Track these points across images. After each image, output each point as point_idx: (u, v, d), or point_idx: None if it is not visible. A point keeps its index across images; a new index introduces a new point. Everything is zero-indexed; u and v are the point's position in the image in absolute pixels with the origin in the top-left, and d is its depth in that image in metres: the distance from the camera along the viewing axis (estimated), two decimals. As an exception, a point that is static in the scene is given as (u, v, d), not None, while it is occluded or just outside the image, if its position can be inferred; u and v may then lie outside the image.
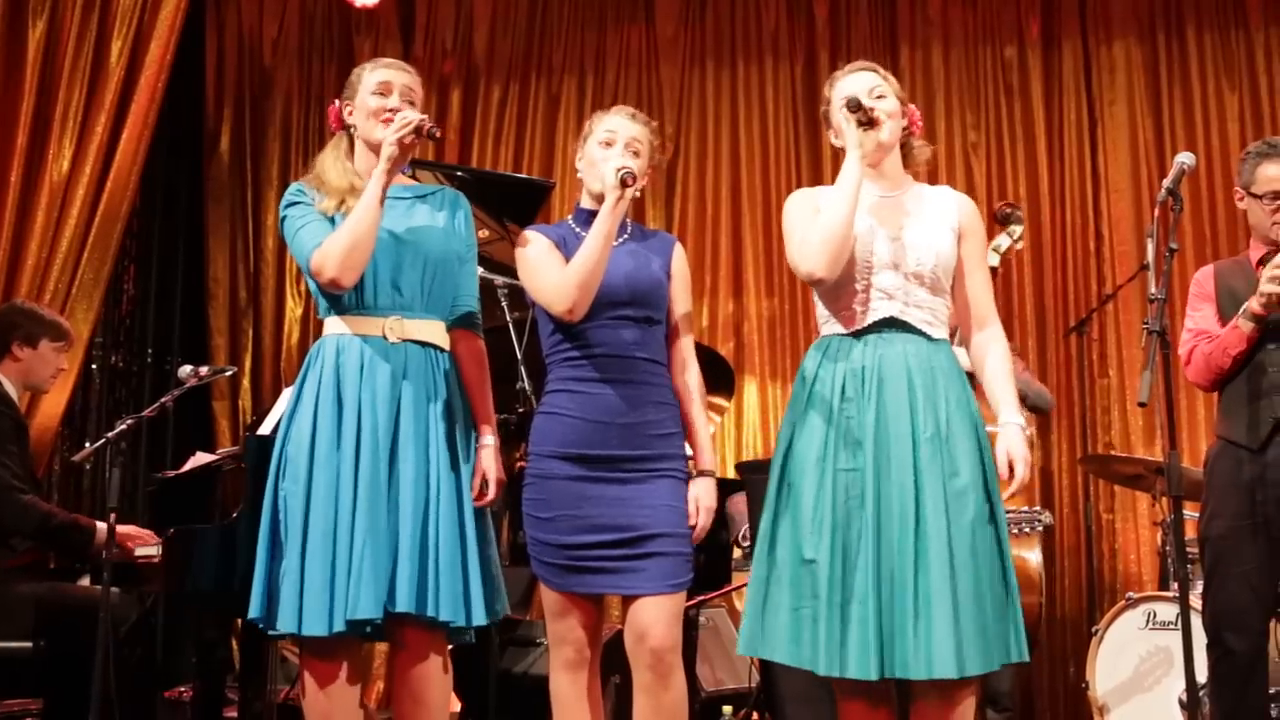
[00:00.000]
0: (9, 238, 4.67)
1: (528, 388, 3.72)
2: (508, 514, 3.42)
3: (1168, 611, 3.92)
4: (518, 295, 3.11)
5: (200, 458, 3.81)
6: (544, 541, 2.64)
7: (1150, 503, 4.76)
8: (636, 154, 2.71)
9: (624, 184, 2.58)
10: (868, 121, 2.53)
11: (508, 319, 3.83)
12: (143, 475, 5.26)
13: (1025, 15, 5.81)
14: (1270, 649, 3.26)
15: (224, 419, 5.81)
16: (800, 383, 2.59)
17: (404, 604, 2.50)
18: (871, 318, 2.53)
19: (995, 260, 4.60)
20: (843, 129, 2.56)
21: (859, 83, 2.61)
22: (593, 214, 2.66)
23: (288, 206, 2.69)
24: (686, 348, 2.79)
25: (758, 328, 5.78)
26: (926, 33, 5.85)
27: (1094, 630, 4.10)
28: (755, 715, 4.13)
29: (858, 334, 2.54)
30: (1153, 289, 2.75)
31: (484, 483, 2.66)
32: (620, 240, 2.73)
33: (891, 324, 2.53)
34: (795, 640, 2.43)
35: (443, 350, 2.70)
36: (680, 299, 2.79)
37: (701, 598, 3.95)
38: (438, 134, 2.61)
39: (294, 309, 5.99)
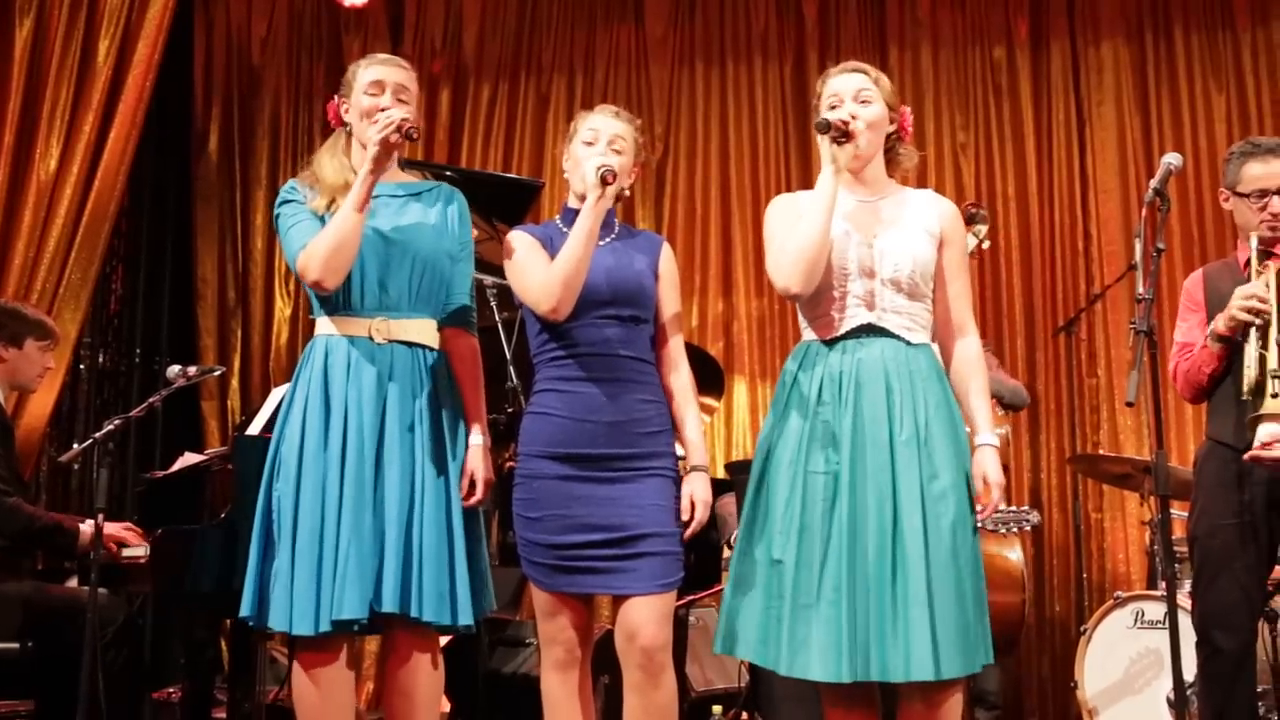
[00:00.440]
0: (-5, 237, 4.66)
1: (517, 387, 3.71)
2: (497, 514, 3.42)
3: (1156, 610, 3.93)
4: (507, 295, 3.11)
5: (188, 458, 3.80)
6: (533, 541, 2.64)
7: (1139, 502, 4.78)
8: (620, 152, 2.71)
9: (604, 182, 2.58)
10: (842, 136, 2.52)
11: (497, 319, 3.83)
12: (131, 476, 5.24)
13: (1014, 16, 5.83)
14: (1259, 648, 3.28)
15: (213, 419, 5.80)
16: (781, 386, 2.60)
17: (389, 604, 2.51)
18: (848, 325, 2.53)
19: None
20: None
21: (847, 84, 2.59)
22: (578, 213, 2.66)
23: (280, 205, 2.69)
24: (676, 347, 2.79)
25: (747, 327, 5.79)
26: (915, 33, 5.87)
27: (1082, 629, 4.11)
28: (745, 715, 4.13)
29: (835, 340, 2.54)
30: (1140, 289, 2.75)
31: (472, 482, 2.66)
32: (606, 240, 2.73)
33: (869, 330, 2.53)
34: (763, 640, 2.44)
35: (432, 349, 2.70)
36: (668, 299, 2.78)
37: (691, 597, 3.95)
38: (415, 135, 2.60)
39: (283, 309, 5.98)
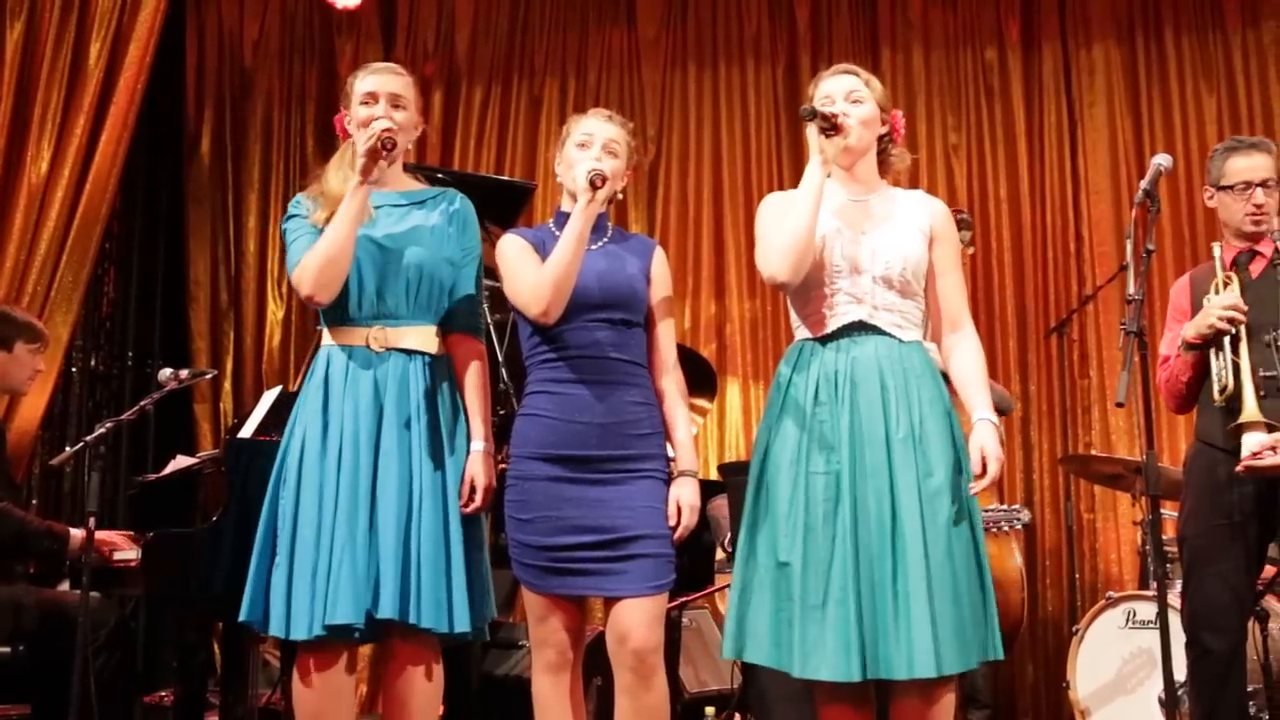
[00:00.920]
0: (-13, 240, 4.66)
1: (509, 389, 3.71)
2: (490, 516, 3.42)
3: (1147, 610, 3.93)
4: (498, 298, 3.11)
5: (181, 461, 3.80)
6: (524, 543, 2.63)
7: (1130, 502, 4.79)
8: (614, 155, 2.71)
9: (593, 185, 2.59)
10: (830, 127, 2.53)
11: (488, 321, 3.82)
12: (123, 479, 5.24)
13: (1005, 18, 5.84)
14: (1249, 648, 3.28)
15: (205, 422, 5.79)
16: (775, 387, 2.60)
17: (387, 610, 2.51)
18: (839, 322, 2.54)
19: None
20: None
21: (839, 85, 2.61)
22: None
23: (285, 220, 2.74)
24: (668, 350, 2.79)
25: (740, 329, 5.80)
26: (907, 35, 5.88)
27: (1075, 630, 4.12)
28: (737, 716, 4.13)
29: (827, 339, 2.55)
30: (1131, 290, 2.76)
31: (472, 489, 2.66)
32: (600, 243, 2.74)
33: (860, 328, 2.53)
34: (776, 643, 2.45)
35: (431, 356, 2.70)
36: (661, 302, 2.79)
37: (684, 599, 3.95)
38: (389, 145, 2.60)
39: (275, 311, 5.97)
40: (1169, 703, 2.82)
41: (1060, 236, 5.64)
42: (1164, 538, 3.31)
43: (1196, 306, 3.17)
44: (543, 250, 2.69)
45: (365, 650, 5.28)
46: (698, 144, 5.96)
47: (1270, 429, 2.90)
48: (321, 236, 2.59)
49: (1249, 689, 3.36)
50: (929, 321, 2.65)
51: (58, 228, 4.74)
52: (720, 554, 4.18)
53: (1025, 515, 4.11)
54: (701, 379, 4.56)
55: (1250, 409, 2.93)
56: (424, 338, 2.70)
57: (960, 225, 4.74)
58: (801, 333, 2.61)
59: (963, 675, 2.52)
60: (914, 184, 4.63)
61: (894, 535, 2.40)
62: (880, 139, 2.65)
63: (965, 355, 2.59)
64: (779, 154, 5.90)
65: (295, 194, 6.12)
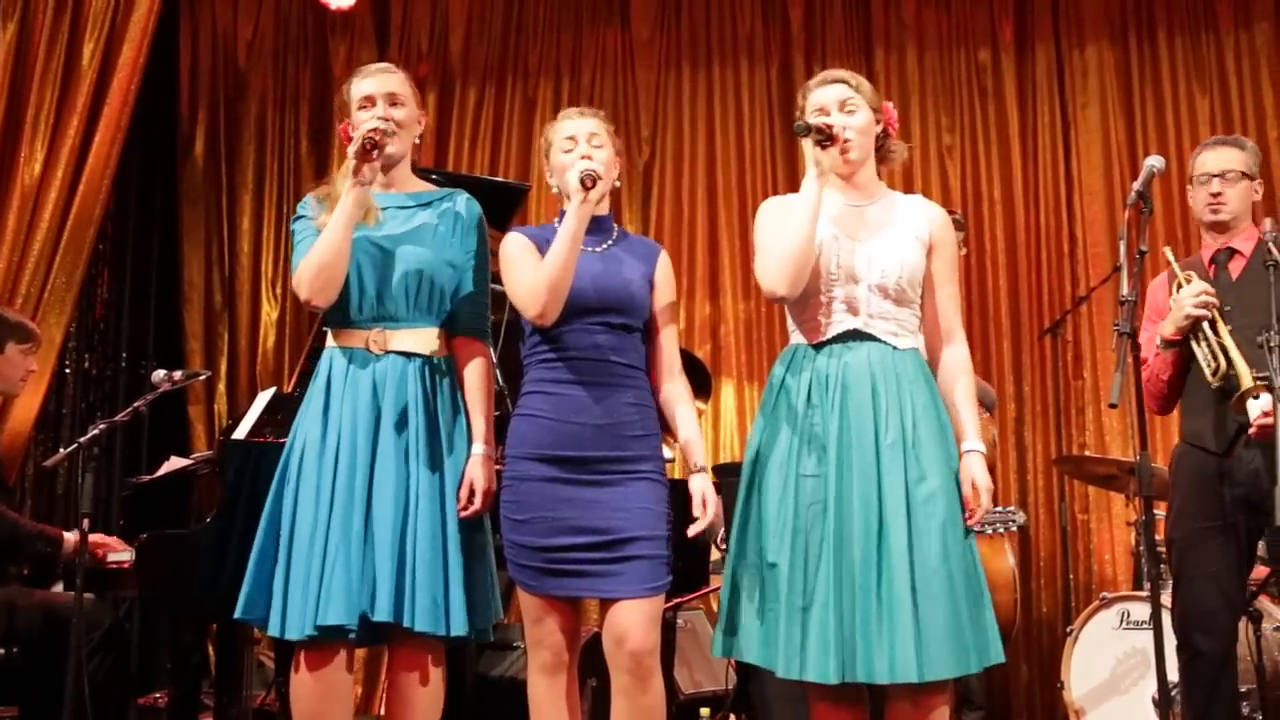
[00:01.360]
0: (-20, 242, 4.64)
1: (504, 390, 3.71)
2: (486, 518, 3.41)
3: (1141, 611, 3.94)
4: (495, 299, 3.10)
5: (174, 462, 3.79)
6: (520, 544, 2.63)
7: (1124, 503, 4.80)
8: (599, 147, 2.71)
9: (584, 186, 2.59)
10: (826, 138, 2.52)
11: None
12: (117, 480, 5.23)
13: (999, 19, 5.85)
14: (1241, 648, 3.29)
15: (199, 423, 5.78)
16: (769, 389, 2.61)
17: (383, 613, 2.51)
18: (835, 330, 2.54)
19: None
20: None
21: (830, 95, 2.59)
22: (573, 217, 2.66)
23: (293, 221, 2.74)
24: (671, 353, 2.78)
25: (734, 330, 5.80)
26: (901, 36, 5.88)
27: (1069, 630, 4.12)
28: (733, 717, 4.14)
29: (821, 345, 2.55)
30: (1124, 291, 2.77)
31: (471, 492, 2.65)
32: (604, 245, 2.74)
33: (855, 335, 2.53)
34: (764, 642, 2.47)
35: (432, 358, 2.70)
36: (664, 307, 2.78)
37: (679, 600, 3.95)
38: (376, 145, 2.59)
39: (269, 312, 5.97)
40: (1163, 703, 2.83)
41: (1054, 237, 5.65)
42: (1158, 538, 3.32)
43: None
44: (545, 249, 2.69)
45: (360, 651, 5.28)
46: (692, 145, 5.96)
47: (1270, 388, 2.91)
48: (315, 244, 2.60)
49: (1242, 690, 3.37)
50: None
51: (51, 229, 4.72)
52: (715, 554, 4.18)
53: (1020, 517, 4.11)
54: (696, 380, 4.54)
55: (1246, 377, 2.94)
56: (424, 339, 2.69)
57: (954, 226, 4.76)
58: (797, 337, 2.61)
59: (958, 678, 2.52)
60: (908, 185, 4.65)
61: (880, 539, 2.40)
62: (876, 136, 2.65)
63: (954, 374, 2.59)
64: (773, 154, 5.90)
65: (289, 194, 6.18)
